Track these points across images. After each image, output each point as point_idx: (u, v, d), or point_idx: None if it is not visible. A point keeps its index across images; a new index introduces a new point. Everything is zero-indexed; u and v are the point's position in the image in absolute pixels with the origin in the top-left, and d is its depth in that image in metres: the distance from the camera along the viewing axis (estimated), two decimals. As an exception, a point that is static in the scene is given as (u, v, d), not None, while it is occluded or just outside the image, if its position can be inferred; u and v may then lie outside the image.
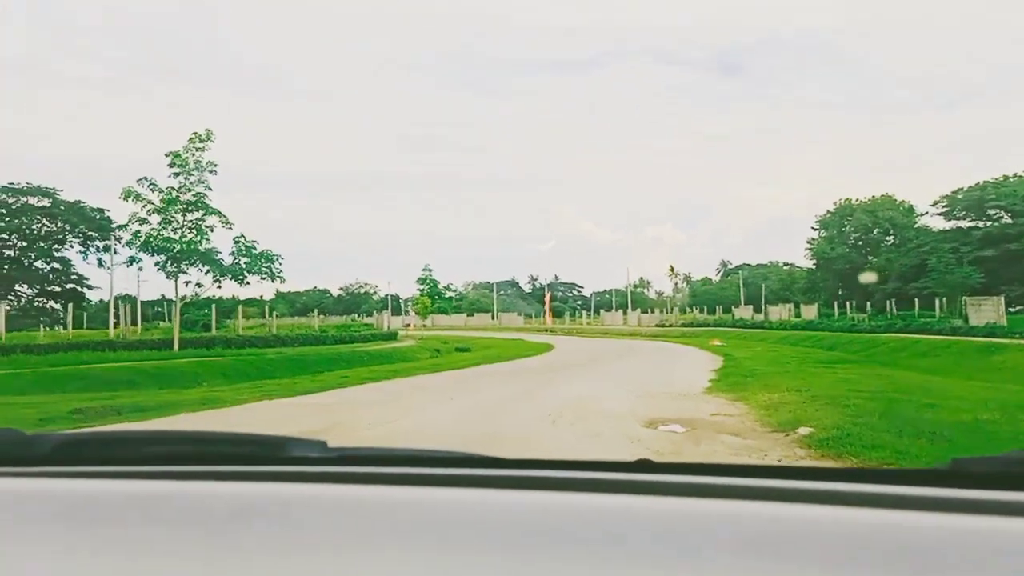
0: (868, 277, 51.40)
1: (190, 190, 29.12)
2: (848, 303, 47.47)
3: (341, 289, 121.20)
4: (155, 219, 29.13)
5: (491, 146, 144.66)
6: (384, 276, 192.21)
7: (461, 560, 0.99)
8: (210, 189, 29.41)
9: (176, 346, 29.04)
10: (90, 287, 58.07)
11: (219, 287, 30.57)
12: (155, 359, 25.02)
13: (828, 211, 62.65)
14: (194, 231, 29.30)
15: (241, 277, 30.30)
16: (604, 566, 0.94)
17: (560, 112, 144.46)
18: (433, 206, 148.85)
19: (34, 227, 56.58)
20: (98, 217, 55.17)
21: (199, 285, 30.32)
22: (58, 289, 57.72)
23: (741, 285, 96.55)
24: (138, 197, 28.58)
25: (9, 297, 53.71)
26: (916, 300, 44.20)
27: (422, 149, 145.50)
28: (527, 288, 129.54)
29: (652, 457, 1.25)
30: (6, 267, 55.97)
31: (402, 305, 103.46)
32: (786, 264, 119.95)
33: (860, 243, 60.76)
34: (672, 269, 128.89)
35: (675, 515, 1.00)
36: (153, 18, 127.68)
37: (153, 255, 29.10)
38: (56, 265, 57.23)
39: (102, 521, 1.15)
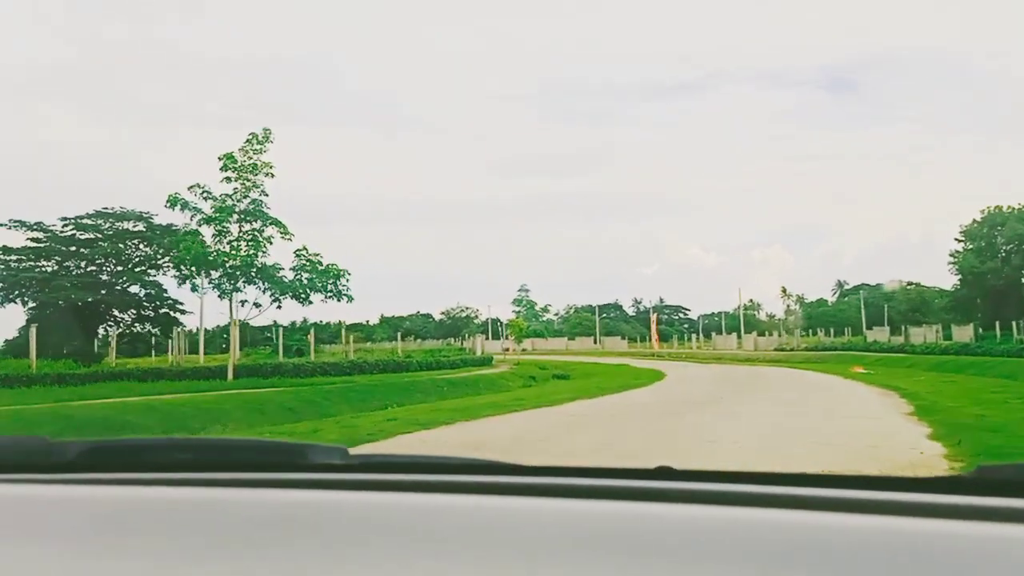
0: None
1: (246, 196, 24.78)
2: (1015, 324, 39.18)
3: (443, 313, 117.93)
4: (208, 232, 24.93)
5: (593, 172, 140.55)
6: (486, 300, 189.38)
7: (483, 567, 0.97)
8: (266, 195, 25.02)
9: (231, 374, 24.66)
10: (183, 311, 55.30)
11: (279, 307, 26.01)
12: (184, 390, 20.52)
13: (974, 220, 54.00)
14: (250, 243, 24.90)
15: (303, 295, 25.68)
16: (625, 573, 0.93)
17: (664, 136, 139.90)
18: (535, 232, 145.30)
19: (128, 251, 54.25)
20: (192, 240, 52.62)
21: (257, 305, 25.87)
22: (152, 314, 55.00)
23: (862, 305, 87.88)
24: (186, 206, 24.43)
25: (109, 323, 51.74)
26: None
27: (523, 175, 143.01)
28: (631, 311, 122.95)
29: None
30: (104, 291, 54.07)
31: (501, 329, 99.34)
32: (910, 283, 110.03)
33: (1015, 255, 51.79)
34: (784, 290, 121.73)
35: (697, 523, 0.97)
36: (268, 58, 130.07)
37: (202, 272, 24.83)
38: (150, 290, 54.66)
39: (126, 528, 1.14)
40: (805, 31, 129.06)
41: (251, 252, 24.76)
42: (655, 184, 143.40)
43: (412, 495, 1.12)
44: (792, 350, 56.94)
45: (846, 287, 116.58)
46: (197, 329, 58.05)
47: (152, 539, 1.11)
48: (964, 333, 42.04)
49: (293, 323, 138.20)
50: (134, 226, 54.59)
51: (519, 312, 50.12)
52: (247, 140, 25.11)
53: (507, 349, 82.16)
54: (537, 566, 0.95)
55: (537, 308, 51.25)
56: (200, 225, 24.80)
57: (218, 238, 24.80)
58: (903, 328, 48.69)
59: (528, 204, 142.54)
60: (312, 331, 45.87)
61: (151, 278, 54.99)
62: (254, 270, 25.01)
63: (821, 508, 0.95)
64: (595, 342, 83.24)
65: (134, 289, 55.66)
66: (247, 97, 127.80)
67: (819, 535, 0.91)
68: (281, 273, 26.01)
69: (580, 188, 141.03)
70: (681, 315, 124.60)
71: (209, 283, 25.32)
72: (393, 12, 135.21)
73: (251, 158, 25.03)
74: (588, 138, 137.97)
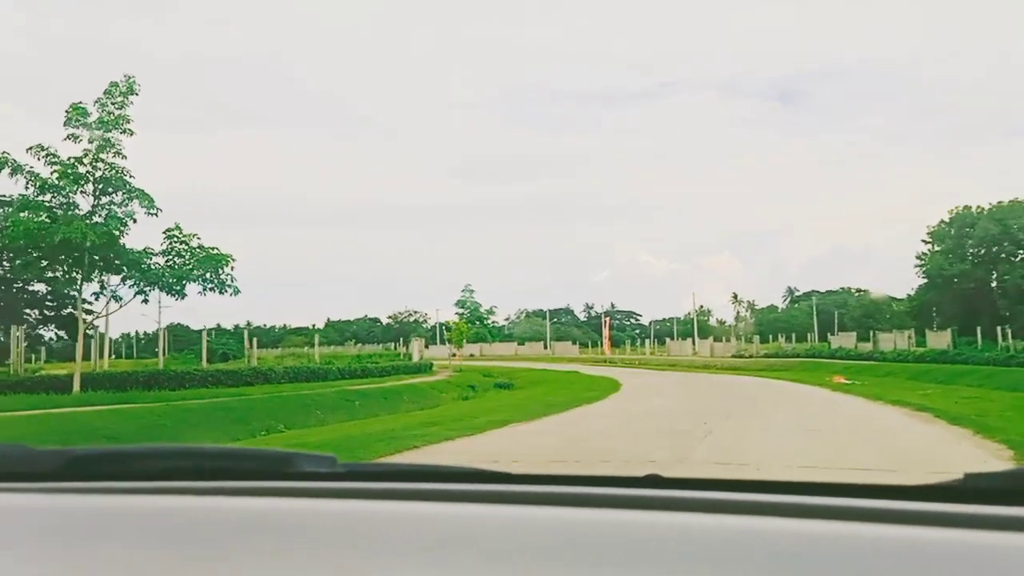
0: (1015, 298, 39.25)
1: (98, 160, 19.01)
2: (998, 329, 34.97)
3: (390, 317, 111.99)
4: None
5: (546, 177, 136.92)
6: (440, 304, 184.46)
7: (471, 575, 0.96)
8: (124, 158, 19.28)
9: (76, 386, 18.85)
10: (89, 311, 48.45)
11: (145, 300, 20.27)
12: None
13: (942, 221, 49.96)
14: (107, 221, 19.13)
15: (176, 286, 19.94)
16: None
17: (618, 143, 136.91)
18: (490, 236, 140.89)
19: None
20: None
21: (116, 298, 20.10)
22: (51, 314, 47.82)
23: (815, 311, 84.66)
24: (18, 170, 18.57)
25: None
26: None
27: (479, 181, 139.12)
28: (582, 317, 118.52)
29: None
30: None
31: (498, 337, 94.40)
32: (858, 290, 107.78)
33: (986, 257, 47.80)
34: (735, 296, 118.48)
35: (686, 531, 0.96)
36: (221, 58, 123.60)
37: (38, 252, 19.02)
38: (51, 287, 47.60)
39: (109, 536, 1.10)
40: (758, 43, 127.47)
41: (107, 230, 18.97)
42: (609, 190, 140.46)
43: (400, 503, 1.09)
44: (751, 356, 52.44)
45: (796, 294, 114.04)
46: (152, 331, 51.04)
47: (135, 548, 1.06)
48: (939, 339, 37.84)
49: (236, 326, 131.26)
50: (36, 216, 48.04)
51: (462, 314, 44.69)
52: (106, 91, 19.37)
53: (454, 354, 77.21)
54: (526, 573, 0.93)
55: (482, 310, 45.85)
56: (39, 195, 18.94)
57: (64, 212, 18.98)
58: (871, 334, 44.41)
59: (484, 209, 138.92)
60: (246, 333, 40.07)
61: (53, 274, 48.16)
62: (109, 252, 19.23)
63: (810, 516, 0.94)
64: (545, 347, 78.12)
65: (39, 287, 48.82)
66: (198, 97, 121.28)
67: (808, 543, 0.90)
68: (152, 260, 20.29)
69: (536, 193, 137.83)
70: (633, 320, 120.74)
71: (53, 271, 19.47)
72: (352, 14, 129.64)
73: (111, 114, 19.30)
74: (545, 144, 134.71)
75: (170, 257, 20.11)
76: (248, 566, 1.01)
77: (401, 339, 78.95)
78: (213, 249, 20.23)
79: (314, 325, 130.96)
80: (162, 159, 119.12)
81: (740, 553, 0.90)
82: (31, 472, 1.28)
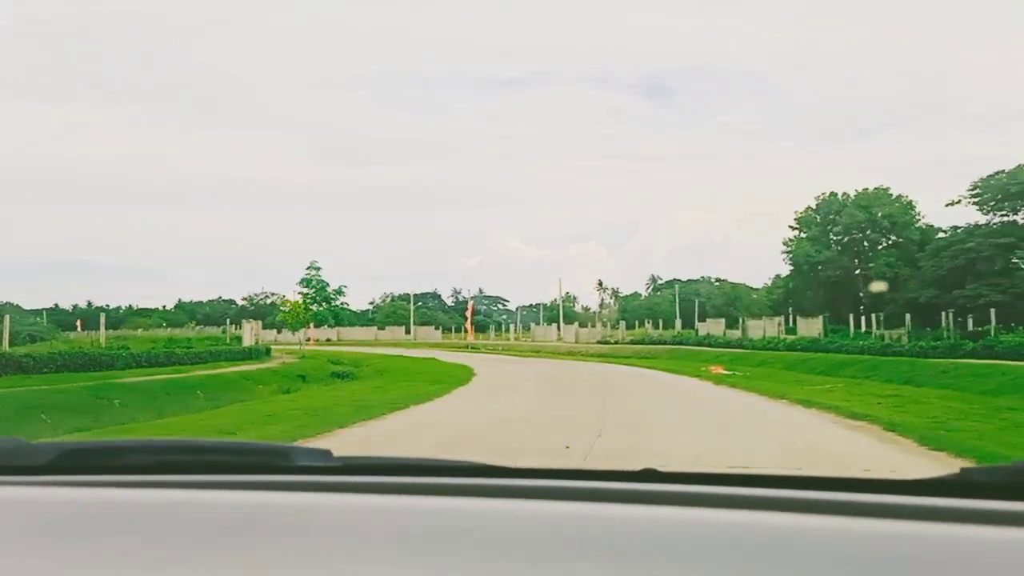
0: (880, 286, 37.42)
1: None
2: (872, 318, 32.81)
3: (245, 299, 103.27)
4: None
5: (419, 162, 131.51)
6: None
7: (468, 569, 0.93)
8: None
9: None
10: None
11: None
12: None
13: (809, 207, 48.27)
14: None
15: None
16: (610, 575, 0.90)
17: (491, 130, 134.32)
18: (359, 220, 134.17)
19: None
20: None
21: None
22: None
23: (676, 299, 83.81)
24: None
25: None
26: (946, 315, 29.70)
27: (349, 164, 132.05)
28: (450, 302, 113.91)
29: None
30: None
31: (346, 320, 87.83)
32: (718, 280, 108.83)
33: (853, 245, 46.42)
34: (601, 283, 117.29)
35: (681, 525, 0.95)
36: (69, 21, 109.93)
37: None
38: None
39: (104, 530, 1.07)
40: (628, 38, 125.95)
41: None
42: (481, 176, 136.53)
43: (397, 497, 1.07)
44: (617, 343, 49.37)
45: (659, 282, 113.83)
46: None
47: (131, 541, 1.04)
48: (809, 327, 35.58)
49: (75, 306, 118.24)
50: None
51: (307, 294, 38.98)
52: None
53: (308, 339, 70.69)
54: (522, 568, 0.91)
55: (330, 290, 40.32)
56: None
57: None
58: (740, 320, 42.00)
59: (354, 192, 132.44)
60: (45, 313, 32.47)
61: None
62: None
63: (805, 511, 0.93)
64: (407, 332, 72.97)
65: None
66: (44, 63, 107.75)
67: (803, 537, 0.89)
68: None
69: (408, 178, 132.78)
70: (500, 306, 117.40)
71: None
72: None
73: None
74: (417, 129, 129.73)
75: None
76: (243, 559, 0.98)
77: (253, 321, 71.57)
78: None
79: (164, 306, 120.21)
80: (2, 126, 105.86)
81: (736, 547, 0.89)
82: (26, 465, 1.25)
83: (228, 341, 34.97)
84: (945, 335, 28.24)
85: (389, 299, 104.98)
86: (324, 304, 40.48)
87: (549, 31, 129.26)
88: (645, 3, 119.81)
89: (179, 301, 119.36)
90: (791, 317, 41.23)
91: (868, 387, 17.75)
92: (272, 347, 40.16)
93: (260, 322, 38.81)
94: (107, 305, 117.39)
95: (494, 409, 14.55)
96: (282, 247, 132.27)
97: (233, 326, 39.01)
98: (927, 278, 35.18)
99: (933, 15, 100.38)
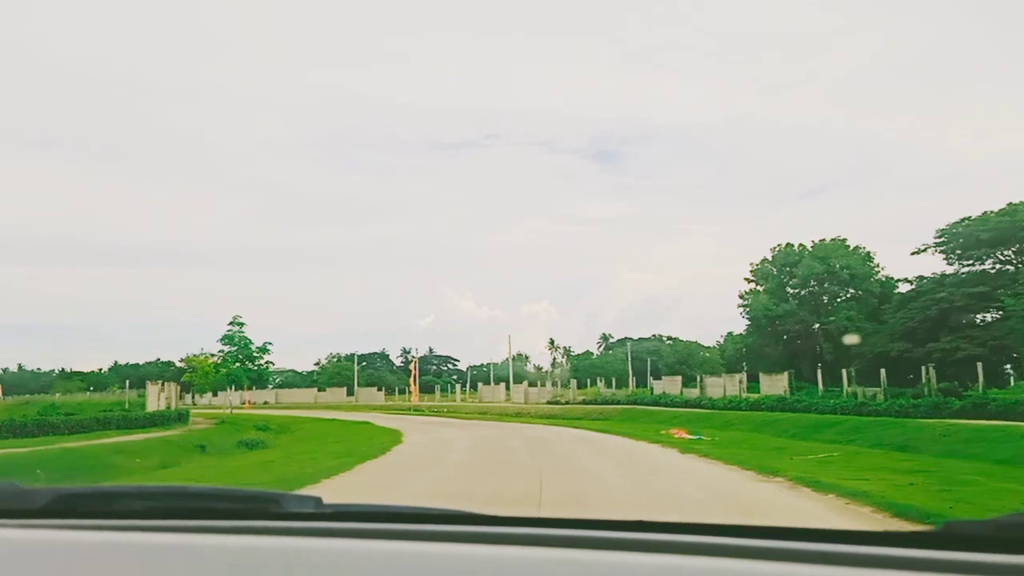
0: (851, 339, 34.67)
1: None
2: (844, 373, 29.81)
3: (182, 361, 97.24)
4: None
5: (368, 223, 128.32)
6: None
7: None
8: None
9: None
10: None
11: None
12: None
13: (765, 260, 45.69)
14: None
15: None
16: None
17: (441, 192, 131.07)
18: (305, 280, 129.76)
19: None
20: None
21: None
22: None
23: (628, 357, 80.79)
24: None
25: None
26: (926, 369, 26.91)
27: (299, 223, 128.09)
28: (399, 362, 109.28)
29: None
30: None
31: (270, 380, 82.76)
32: (669, 338, 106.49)
33: (811, 298, 43.78)
34: (552, 342, 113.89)
35: (673, 572, 0.93)
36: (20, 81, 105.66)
37: None
38: None
39: (97, 573, 1.07)
40: (576, 102, 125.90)
41: None
42: (432, 238, 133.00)
43: (387, 543, 1.07)
44: (568, 403, 45.74)
45: (611, 340, 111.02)
46: None
47: None
48: (772, 384, 32.53)
49: (5, 369, 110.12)
50: None
51: (228, 353, 34.59)
52: None
53: (245, 401, 65.72)
54: None
55: (254, 348, 35.93)
56: None
57: None
58: (699, 378, 38.80)
59: (303, 252, 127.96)
60: None
61: None
62: None
63: (794, 560, 0.93)
64: (348, 394, 68.27)
65: None
66: None
67: None
68: None
69: (357, 239, 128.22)
70: (450, 366, 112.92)
71: None
72: (163, 43, 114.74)
73: None
74: (368, 190, 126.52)
75: None
76: None
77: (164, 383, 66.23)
78: None
79: (100, 369, 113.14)
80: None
81: None
82: (21, 509, 1.24)
83: (127, 407, 30.30)
84: (925, 392, 25.33)
85: (336, 359, 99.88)
86: (247, 362, 36.04)
87: (498, 96, 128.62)
88: (593, 70, 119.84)
89: (114, 363, 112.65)
90: (749, 375, 38.30)
91: (873, 458, 14.43)
92: (195, 410, 35.59)
93: (176, 384, 34.23)
94: (38, 368, 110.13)
95: (398, 494, 10.79)
96: (227, 308, 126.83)
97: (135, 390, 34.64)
98: (896, 331, 32.62)
99: (875, 83, 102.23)
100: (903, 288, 37.02)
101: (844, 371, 29.09)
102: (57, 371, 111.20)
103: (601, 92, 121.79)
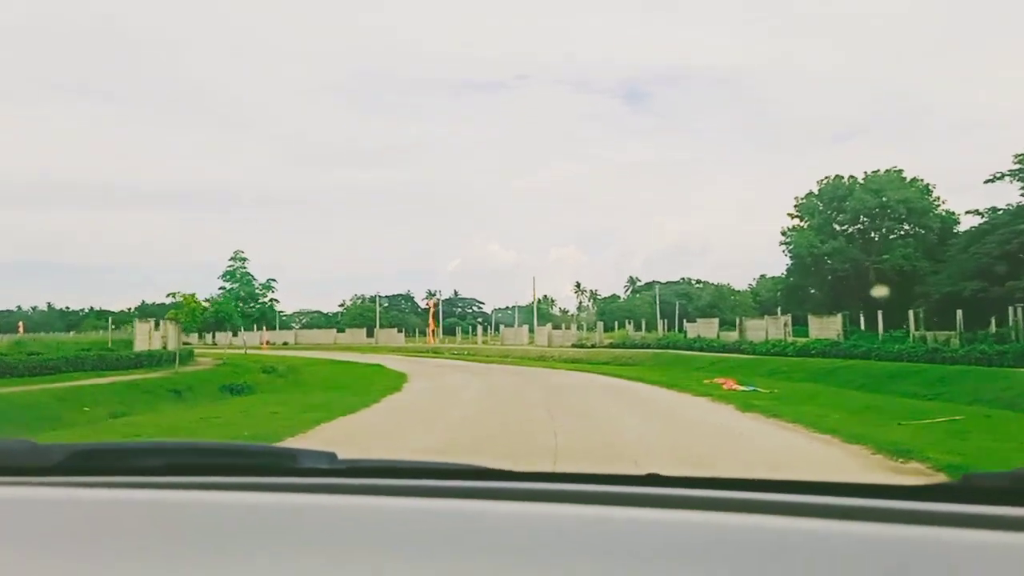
0: (913, 279, 30.40)
1: None
2: (911, 315, 25.83)
3: (207, 300, 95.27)
4: None
5: (395, 166, 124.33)
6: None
7: (473, 571, 0.94)
8: None
9: None
10: None
11: None
12: None
13: (811, 193, 41.07)
14: None
15: None
16: None
17: (469, 133, 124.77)
18: (335, 223, 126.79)
19: None
20: None
21: None
22: None
23: (657, 300, 77.06)
24: None
25: None
26: (1014, 311, 22.90)
27: (328, 166, 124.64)
28: (424, 304, 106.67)
29: None
30: None
31: (265, 322, 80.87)
32: (699, 281, 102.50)
33: (862, 234, 39.34)
34: (579, 285, 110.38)
35: (684, 528, 0.93)
36: (45, 27, 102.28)
37: None
38: None
39: (113, 530, 1.08)
40: (605, 43, 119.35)
41: None
42: (458, 181, 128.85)
43: (402, 499, 1.06)
44: (594, 346, 42.37)
45: (639, 284, 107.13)
46: None
47: (139, 542, 1.03)
48: (825, 327, 28.71)
49: (34, 307, 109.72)
50: None
51: (230, 290, 31.48)
52: None
53: (264, 342, 63.49)
54: (526, 570, 0.91)
55: (256, 285, 32.76)
56: None
57: None
58: (738, 321, 35.03)
59: (330, 195, 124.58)
60: None
61: None
62: None
63: (809, 514, 0.91)
64: (368, 335, 65.60)
65: None
66: (15, 63, 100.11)
67: (807, 541, 0.88)
68: None
69: (384, 182, 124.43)
70: (475, 308, 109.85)
71: None
72: None
73: None
74: (397, 132, 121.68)
75: None
76: (250, 559, 0.98)
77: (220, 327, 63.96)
78: None
79: (129, 308, 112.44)
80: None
81: (741, 550, 0.88)
82: (36, 466, 1.23)
83: (110, 345, 27.40)
84: (1012, 336, 21.45)
85: (360, 301, 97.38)
86: (249, 301, 32.88)
87: (526, 36, 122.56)
88: (623, 10, 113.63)
89: (142, 302, 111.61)
90: (793, 318, 34.44)
91: (1008, 422, 10.75)
92: (207, 350, 32.70)
93: (176, 323, 31.28)
94: (67, 307, 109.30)
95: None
96: (258, 249, 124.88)
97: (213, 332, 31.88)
98: (967, 268, 28.45)
99: (908, 28, 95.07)
100: (969, 223, 32.86)
101: (911, 313, 25.16)
102: (86, 310, 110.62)
103: (632, 34, 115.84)
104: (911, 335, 24.96)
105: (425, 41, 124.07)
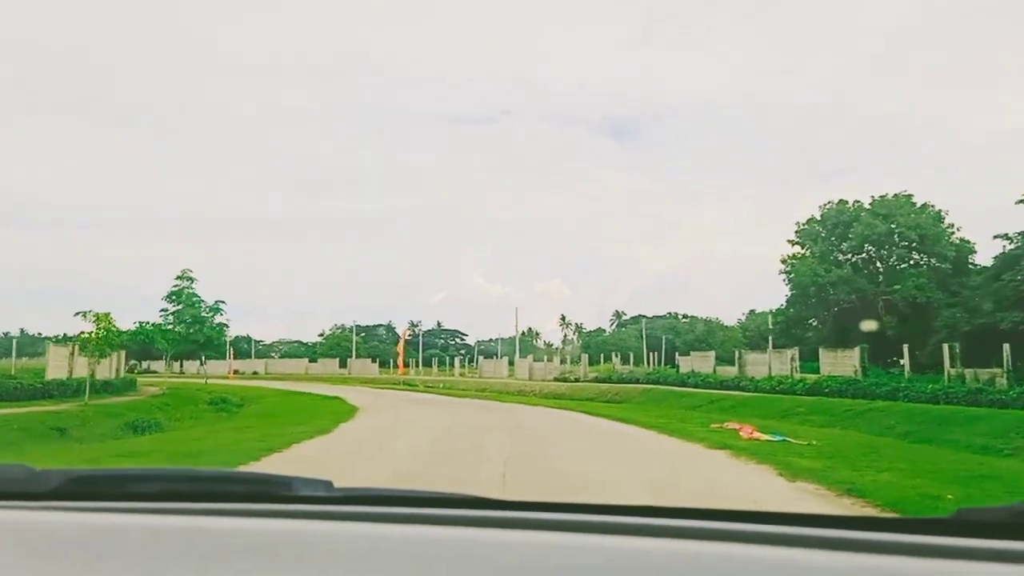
0: (931, 311, 26.90)
1: None
2: (945, 349, 22.18)
3: (78, 315, 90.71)
4: None
5: (381, 199, 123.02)
6: (260, 316, 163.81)
7: None
8: None
9: None
10: None
11: None
12: None
13: (812, 219, 37.52)
14: None
15: None
16: None
17: (455, 167, 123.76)
18: (320, 252, 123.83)
19: None
20: None
21: None
22: None
23: (643, 333, 73.61)
24: None
25: None
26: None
27: (312, 195, 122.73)
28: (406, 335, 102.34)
29: None
30: None
31: (251, 348, 76.57)
32: (685, 316, 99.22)
33: (868, 263, 35.83)
34: (564, 318, 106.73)
35: (683, 557, 0.92)
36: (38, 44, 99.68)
37: None
38: None
39: (109, 555, 1.05)
40: (592, 78, 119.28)
41: None
42: (444, 214, 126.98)
43: (397, 527, 1.05)
44: (577, 380, 38.57)
45: (624, 318, 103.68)
46: None
47: (135, 568, 1.01)
48: (839, 362, 25.13)
49: (22, 331, 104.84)
50: None
51: (173, 312, 27.63)
52: None
53: (234, 371, 59.41)
54: None
55: (204, 308, 28.89)
56: None
57: None
58: (737, 354, 31.41)
59: (319, 226, 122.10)
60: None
61: None
62: None
63: (810, 546, 0.90)
64: (340, 365, 61.50)
65: None
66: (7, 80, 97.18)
67: (804, 573, 0.86)
68: None
69: (370, 214, 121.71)
70: (458, 340, 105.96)
71: None
72: (184, 16, 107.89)
73: None
74: (385, 165, 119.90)
75: None
76: None
77: (203, 355, 59.67)
78: None
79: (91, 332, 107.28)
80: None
81: None
82: (32, 491, 1.22)
83: (13, 374, 23.30)
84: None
85: (338, 331, 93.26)
86: (194, 327, 28.85)
87: (514, 71, 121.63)
88: (607, 46, 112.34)
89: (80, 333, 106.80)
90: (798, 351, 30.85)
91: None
92: (165, 379, 28.58)
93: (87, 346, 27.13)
94: (39, 333, 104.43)
95: None
96: (241, 276, 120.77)
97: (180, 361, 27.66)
98: (1005, 298, 25.01)
99: (891, 63, 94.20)
100: (984, 253, 29.54)
101: (945, 347, 21.59)
102: (56, 337, 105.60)
103: (617, 68, 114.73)
104: (946, 372, 21.36)
105: (413, 75, 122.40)
